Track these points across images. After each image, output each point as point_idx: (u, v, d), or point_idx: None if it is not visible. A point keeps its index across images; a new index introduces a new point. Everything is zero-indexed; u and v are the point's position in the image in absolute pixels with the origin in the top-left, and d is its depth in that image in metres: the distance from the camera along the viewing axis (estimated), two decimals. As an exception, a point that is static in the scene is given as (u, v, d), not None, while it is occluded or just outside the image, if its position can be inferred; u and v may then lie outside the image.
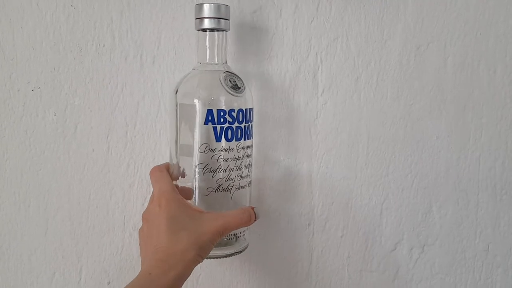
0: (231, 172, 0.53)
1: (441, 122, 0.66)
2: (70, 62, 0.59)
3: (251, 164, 0.56)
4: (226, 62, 0.55)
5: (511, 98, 0.67)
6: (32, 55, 0.59)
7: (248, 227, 0.54)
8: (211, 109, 0.51)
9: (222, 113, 0.51)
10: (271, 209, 0.64)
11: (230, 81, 0.52)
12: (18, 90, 0.59)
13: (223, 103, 0.52)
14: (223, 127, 0.51)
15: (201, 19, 0.52)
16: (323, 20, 0.62)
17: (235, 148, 0.53)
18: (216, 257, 0.53)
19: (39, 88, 0.59)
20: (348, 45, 0.63)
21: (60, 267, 0.62)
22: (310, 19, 0.62)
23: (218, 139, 0.51)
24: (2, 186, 0.60)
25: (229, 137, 0.52)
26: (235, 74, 0.54)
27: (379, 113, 0.64)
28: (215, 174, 0.52)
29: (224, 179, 0.52)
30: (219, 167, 0.52)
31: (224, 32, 0.54)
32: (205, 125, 0.51)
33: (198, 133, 0.52)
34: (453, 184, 0.67)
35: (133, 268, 0.62)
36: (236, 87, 0.52)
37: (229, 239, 0.54)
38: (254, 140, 0.63)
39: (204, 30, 0.53)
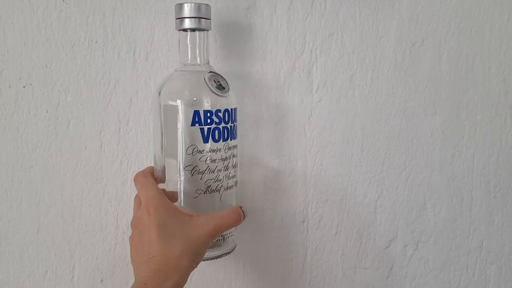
0: (219, 173, 0.52)
1: (435, 119, 0.66)
2: (62, 58, 0.59)
3: (237, 164, 0.56)
4: (208, 62, 0.55)
5: (506, 95, 0.67)
6: (24, 51, 0.58)
7: (236, 227, 0.54)
8: (198, 110, 0.50)
9: (209, 114, 0.51)
10: (265, 207, 0.64)
11: (215, 81, 0.52)
12: (10, 87, 0.58)
13: (209, 104, 0.51)
14: (210, 128, 0.51)
15: (181, 19, 0.51)
16: (317, 16, 0.62)
17: (222, 148, 0.52)
18: (205, 259, 0.52)
19: (30, 84, 0.59)
20: (343, 42, 0.63)
21: (53, 265, 0.61)
22: (305, 16, 0.61)
23: (205, 140, 0.51)
24: (-6, 184, 0.60)
25: (216, 137, 0.51)
26: (218, 74, 0.54)
27: (373, 110, 0.64)
28: (203, 175, 0.52)
29: (213, 180, 0.52)
30: (208, 168, 0.52)
31: (206, 31, 0.53)
32: (192, 127, 0.50)
33: (184, 135, 0.51)
34: (447, 181, 0.67)
35: (126, 265, 0.62)
36: (221, 87, 0.52)
37: (217, 240, 0.54)
38: (249, 139, 0.62)
39: (185, 30, 0.52)
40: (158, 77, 0.60)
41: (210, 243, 0.49)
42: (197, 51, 0.53)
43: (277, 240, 0.65)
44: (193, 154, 0.51)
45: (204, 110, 0.51)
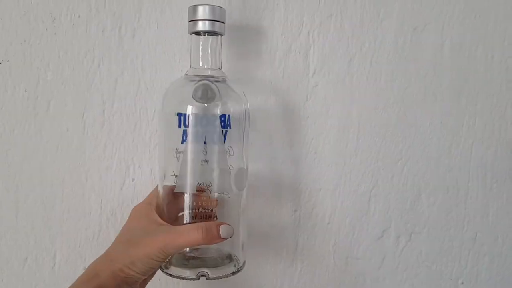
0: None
1: (435, 107, 0.64)
2: (42, 33, 0.55)
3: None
4: (221, 68, 0.52)
5: (507, 85, 0.65)
6: (0, 25, 0.54)
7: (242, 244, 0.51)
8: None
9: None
10: (256, 194, 0.62)
11: (202, 91, 0.49)
12: (-15, 63, 0.55)
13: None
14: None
15: (194, 21, 0.49)
16: (316, -4, 0.58)
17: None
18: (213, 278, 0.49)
19: (8, 61, 0.55)
20: (342, 24, 0.60)
21: (33, 253, 0.58)
22: (303, -5, 0.58)
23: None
24: (-32, 166, 0.56)
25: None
26: (212, 83, 0.50)
27: (371, 96, 0.62)
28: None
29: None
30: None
31: (220, 36, 0.51)
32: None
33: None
34: (444, 171, 0.66)
35: (110, 254, 0.60)
36: (205, 98, 0.49)
37: (222, 259, 0.50)
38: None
39: (197, 33, 0.50)
40: (145, 56, 0.57)
41: (157, 255, 0.44)
42: (209, 55, 0.50)
43: (268, 228, 0.63)
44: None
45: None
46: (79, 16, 0.55)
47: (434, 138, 0.64)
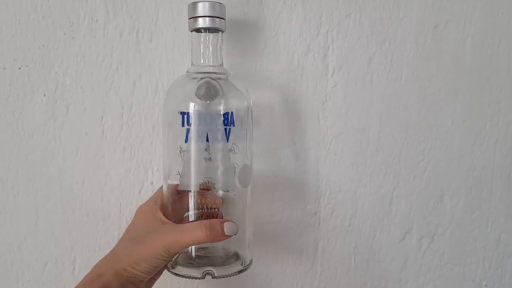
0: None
1: (457, 106, 0.62)
2: (60, 37, 0.55)
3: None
4: (222, 64, 0.51)
5: (531, 82, 0.63)
6: (18, 30, 0.54)
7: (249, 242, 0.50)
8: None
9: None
10: (275, 197, 0.61)
11: (205, 88, 0.48)
12: (4, 68, 0.55)
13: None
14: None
15: (195, 18, 0.48)
16: (335, -6, 0.58)
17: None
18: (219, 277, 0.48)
19: (26, 66, 0.55)
20: (362, 23, 0.58)
21: (53, 257, 0.58)
22: (321, -6, 0.57)
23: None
24: (-11, 171, 0.56)
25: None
26: (215, 80, 0.49)
27: (392, 96, 0.61)
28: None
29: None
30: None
31: (220, 32, 0.50)
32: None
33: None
34: (467, 171, 0.64)
35: (130, 258, 0.59)
36: (204, 95, 0.48)
37: (228, 257, 0.50)
38: (260, 125, 0.59)
39: (198, 30, 0.49)
40: (163, 59, 0.56)
41: (162, 254, 0.43)
42: (210, 52, 0.50)
43: (288, 231, 0.62)
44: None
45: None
46: (96, 20, 0.55)
47: (457, 137, 0.63)
